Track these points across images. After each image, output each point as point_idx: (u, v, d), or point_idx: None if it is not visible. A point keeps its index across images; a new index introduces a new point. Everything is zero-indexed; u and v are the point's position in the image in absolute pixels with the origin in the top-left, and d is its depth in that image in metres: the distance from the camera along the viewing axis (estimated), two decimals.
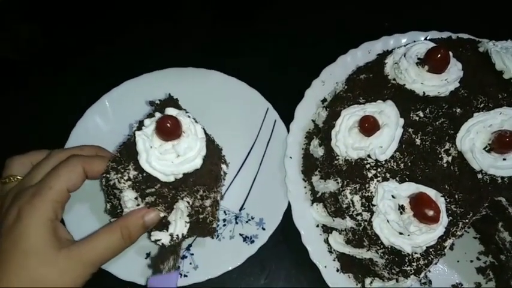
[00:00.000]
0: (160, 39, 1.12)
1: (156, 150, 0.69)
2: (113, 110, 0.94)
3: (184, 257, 0.82)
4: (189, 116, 0.75)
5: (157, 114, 0.73)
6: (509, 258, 0.78)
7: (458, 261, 0.85)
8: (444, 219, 0.68)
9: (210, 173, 0.74)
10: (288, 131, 0.93)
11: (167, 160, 0.69)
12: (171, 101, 0.79)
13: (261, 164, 0.93)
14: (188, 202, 0.73)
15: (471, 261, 0.85)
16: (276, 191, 0.88)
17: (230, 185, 0.91)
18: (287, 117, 0.95)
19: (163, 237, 0.73)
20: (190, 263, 0.81)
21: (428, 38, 0.94)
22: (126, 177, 0.70)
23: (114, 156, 0.73)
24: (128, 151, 0.72)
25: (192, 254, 0.82)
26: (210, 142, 0.77)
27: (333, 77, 0.97)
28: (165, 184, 0.70)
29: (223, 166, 0.84)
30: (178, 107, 0.78)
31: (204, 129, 0.76)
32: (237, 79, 0.99)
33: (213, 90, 0.99)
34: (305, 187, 0.88)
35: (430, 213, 0.66)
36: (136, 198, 0.71)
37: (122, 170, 0.71)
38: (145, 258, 0.81)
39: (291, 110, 0.95)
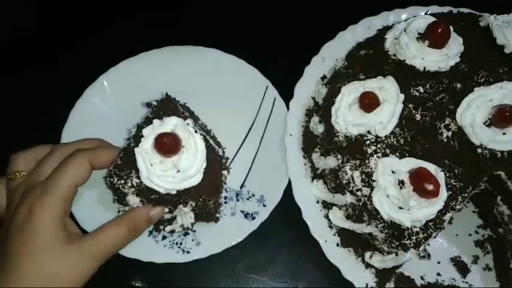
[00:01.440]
0: (157, 18, 1.11)
1: (156, 167, 0.70)
2: (112, 89, 0.94)
3: (186, 233, 0.83)
4: (188, 124, 0.74)
5: (156, 122, 0.73)
6: (507, 231, 0.80)
7: (457, 235, 0.87)
8: (444, 194, 0.69)
9: (211, 184, 0.75)
10: (288, 108, 0.93)
11: (168, 176, 0.70)
12: (169, 102, 0.79)
13: (261, 141, 0.94)
14: (191, 205, 0.75)
15: (469, 234, 0.87)
16: (277, 168, 0.88)
17: (231, 163, 0.92)
18: (287, 95, 0.94)
19: (176, 227, 0.80)
20: (193, 240, 0.82)
21: (428, 13, 0.93)
22: (129, 184, 0.73)
23: (116, 162, 0.74)
24: (129, 158, 0.72)
25: (194, 231, 0.83)
26: (210, 151, 0.76)
27: (332, 54, 0.96)
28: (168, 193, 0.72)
29: (224, 172, 0.85)
30: (177, 110, 0.78)
31: (203, 135, 0.76)
32: (236, 57, 0.98)
33: (211, 68, 0.98)
34: (305, 164, 0.88)
35: (430, 187, 0.66)
36: (141, 201, 0.74)
37: (125, 177, 0.73)
38: (148, 236, 0.82)
39: (290, 88, 0.94)
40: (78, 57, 1.04)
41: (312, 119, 0.89)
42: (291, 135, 0.90)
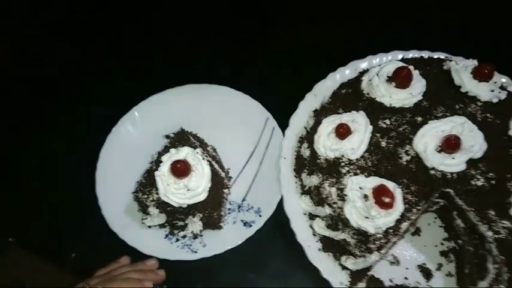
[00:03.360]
0: (176, 59, 1.34)
1: (171, 186, 0.90)
2: (141, 119, 1.16)
3: (195, 237, 1.01)
4: (197, 152, 0.95)
5: (172, 151, 0.94)
6: (464, 242, 0.93)
7: (425, 246, 0.99)
8: (400, 206, 0.85)
9: (214, 200, 0.95)
10: (284, 136, 1.11)
11: (180, 194, 0.90)
12: (183, 134, 1.01)
13: (261, 163, 1.11)
14: (199, 216, 0.94)
15: (436, 245, 0.99)
16: (272, 186, 1.05)
17: (235, 181, 1.10)
18: (284, 125, 1.12)
19: (187, 233, 0.99)
20: (200, 242, 0.99)
21: (404, 57, 1.11)
22: (151, 199, 0.93)
23: (141, 181, 0.97)
24: (151, 178, 0.93)
25: (202, 236, 1.01)
26: (214, 174, 0.96)
27: (323, 91, 1.12)
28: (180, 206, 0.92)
29: (225, 190, 1.03)
30: (189, 141, 1.00)
31: (209, 161, 0.97)
32: (243, 93, 1.18)
33: (222, 102, 1.18)
34: (296, 182, 1.04)
35: (387, 200, 0.82)
36: (160, 212, 0.94)
37: (148, 193, 0.93)
38: (164, 238, 1.01)
39: (287, 119, 1.13)
40: (112, 93, 1.26)
41: (303, 145, 1.07)
42: (285, 158, 1.07)
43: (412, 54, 1.18)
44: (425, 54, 1.16)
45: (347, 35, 1.35)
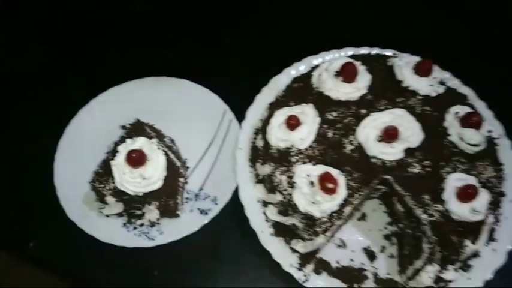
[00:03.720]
0: (141, 51, 1.36)
1: (127, 175, 0.93)
2: (100, 110, 1.18)
3: (153, 225, 1.04)
4: (153, 142, 0.98)
5: (128, 141, 0.97)
6: (404, 225, 1.01)
7: (370, 230, 1.06)
8: (343, 191, 0.91)
9: (169, 188, 0.99)
10: (241, 128, 1.16)
11: (136, 182, 0.94)
12: (139, 125, 1.04)
13: (218, 154, 1.16)
14: (155, 204, 0.97)
15: (380, 230, 1.07)
16: (229, 175, 1.09)
17: (193, 170, 1.14)
18: (242, 118, 1.17)
19: (145, 222, 1.02)
20: (158, 230, 1.03)
21: (354, 54, 1.17)
22: (107, 188, 0.96)
23: (97, 170, 0.99)
24: (107, 168, 0.96)
25: (159, 224, 1.04)
26: (170, 164, 1.00)
27: (278, 85, 1.17)
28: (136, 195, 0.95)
29: (181, 179, 1.06)
30: (145, 131, 1.03)
31: (165, 151, 1.00)
32: (202, 86, 1.22)
33: (182, 95, 1.22)
34: (250, 172, 1.09)
35: (330, 186, 0.89)
36: (116, 201, 0.97)
37: (104, 182, 0.96)
38: (121, 227, 1.04)
39: (244, 111, 1.17)
40: (73, 85, 1.28)
41: (258, 136, 1.12)
42: (241, 149, 1.12)
43: (363, 51, 1.25)
44: (376, 51, 1.23)
45: (303, 32, 1.41)
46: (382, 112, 0.98)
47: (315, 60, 1.23)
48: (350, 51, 1.24)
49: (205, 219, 1.04)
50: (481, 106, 1.16)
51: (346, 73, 1.01)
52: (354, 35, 1.35)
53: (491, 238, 1.02)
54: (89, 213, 1.04)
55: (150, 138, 1.00)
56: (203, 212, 1.06)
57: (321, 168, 0.93)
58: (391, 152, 0.94)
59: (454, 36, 1.43)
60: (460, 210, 0.90)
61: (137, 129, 1.03)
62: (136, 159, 0.92)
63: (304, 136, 0.97)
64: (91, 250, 1.02)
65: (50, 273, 1.03)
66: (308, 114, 0.99)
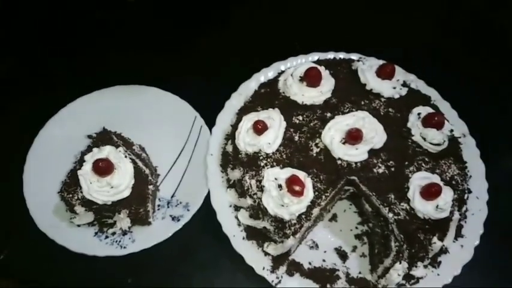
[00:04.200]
0: (106, 60, 1.37)
1: (94, 184, 0.94)
2: (68, 120, 1.18)
3: (125, 234, 1.04)
4: (120, 151, 0.99)
5: (95, 150, 0.98)
6: (374, 225, 1.03)
7: (341, 230, 1.08)
8: (310, 193, 0.93)
9: (138, 196, 0.99)
10: (211, 133, 1.17)
11: (104, 191, 0.94)
12: (106, 134, 1.05)
13: (189, 160, 1.17)
14: (125, 212, 0.98)
15: (351, 230, 1.08)
16: (200, 181, 1.10)
17: (165, 177, 1.15)
18: (211, 123, 1.18)
19: (116, 230, 1.02)
20: (129, 238, 1.03)
21: (315, 60, 1.20)
22: (76, 197, 0.96)
23: (66, 181, 1.00)
24: (75, 178, 0.96)
25: (131, 232, 1.05)
26: (138, 172, 1.01)
27: (248, 91, 1.19)
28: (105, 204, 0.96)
29: (150, 186, 1.05)
30: (111, 140, 1.03)
31: (132, 159, 1.01)
32: (171, 93, 1.23)
33: (152, 102, 1.23)
34: (222, 177, 1.10)
35: (297, 188, 0.90)
36: (85, 210, 0.97)
37: (73, 192, 0.96)
38: (93, 236, 1.04)
39: (214, 117, 1.19)
40: (40, 94, 1.28)
41: (228, 142, 1.13)
42: (212, 154, 1.13)
43: (330, 55, 1.28)
44: (341, 55, 1.26)
45: (273, 37, 1.43)
46: (345, 115, 1.01)
47: (282, 65, 1.25)
48: (316, 56, 1.27)
49: (178, 226, 1.05)
50: (445, 106, 1.20)
51: (310, 78, 1.04)
52: (322, 40, 1.38)
53: (459, 234, 1.05)
54: (60, 224, 1.03)
55: (117, 146, 1.00)
56: (175, 218, 1.07)
57: (289, 171, 0.95)
58: (356, 154, 0.96)
59: (421, 38, 1.47)
60: (425, 208, 0.93)
61: (103, 138, 1.03)
62: (103, 168, 0.93)
63: (271, 140, 0.99)
64: (63, 260, 1.02)
65: (21, 284, 1.02)
66: (275, 118, 1.01)
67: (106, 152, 0.96)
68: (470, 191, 1.10)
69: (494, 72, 1.40)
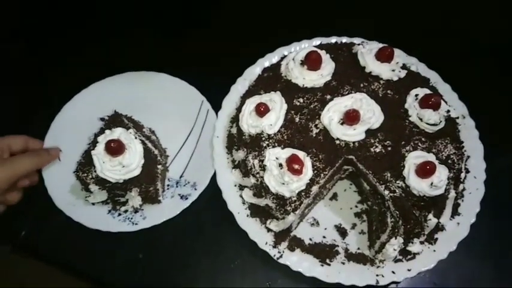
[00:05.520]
0: (119, 47, 1.43)
1: (107, 164, 1.00)
2: (83, 105, 1.24)
3: (136, 211, 1.11)
4: (130, 132, 1.05)
5: (107, 132, 1.04)
6: (372, 202, 1.08)
7: (341, 209, 1.13)
8: (309, 172, 0.98)
9: (148, 175, 1.05)
10: (217, 117, 1.22)
11: (116, 170, 1.00)
12: (117, 116, 1.11)
13: (197, 142, 1.22)
14: (136, 190, 1.04)
15: (351, 208, 1.14)
16: (207, 162, 1.16)
17: (174, 159, 1.21)
18: (218, 107, 1.23)
19: (128, 208, 1.09)
20: (141, 215, 1.10)
21: (319, 44, 1.23)
22: (90, 176, 1.02)
23: (80, 161, 1.07)
24: (89, 158, 1.03)
25: (142, 209, 1.11)
26: (147, 152, 1.07)
27: (252, 75, 1.24)
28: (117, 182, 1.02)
29: (159, 166, 1.11)
30: (122, 122, 1.09)
31: (142, 140, 1.07)
32: (180, 79, 1.29)
33: (161, 87, 1.28)
34: (227, 158, 1.15)
35: (296, 167, 0.95)
36: (99, 188, 1.03)
37: (87, 171, 1.03)
38: (107, 214, 1.11)
39: (221, 101, 1.24)
40: (56, 81, 1.35)
41: (233, 124, 1.18)
42: (218, 137, 1.18)
43: (333, 40, 1.31)
44: (344, 39, 1.30)
45: (278, 23, 1.47)
46: (343, 96, 1.04)
47: (286, 50, 1.28)
48: (319, 40, 1.30)
49: (186, 204, 1.11)
50: (446, 88, 1.23)
51: (311, 61, 1.07)
52: (326, 25, 1.42)
53: (455, 212, 1.09)
54: (76, 202, 1.10)
55: (128, 128, 1.06)
56: (183, 197, 1.13)
57: (289, 151, 1.00)
58: (353, 134, 1.00)
59: (422, 22, 1.49)
60: (420, 186, 0.96)
61: (115, 120, 1.10)
62: (115, 148, 0.99)
63: (273, 122, 1.03)
64: (79, 237, 1.09)
65: (41, 260, 1.10)
66: (276, 101, 1.05)
67: (117, 133, 1.02)
68: (468, 171, 1.13)
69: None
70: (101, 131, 1.06)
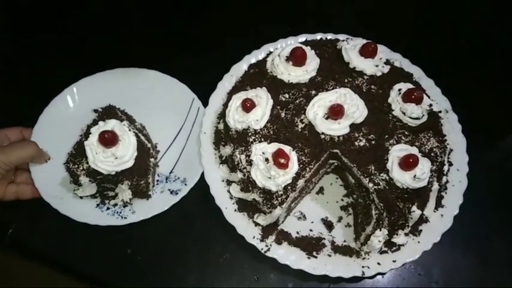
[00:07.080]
0: (109, 44, 1.44)
1: (100, 155, 1.00)
2: (72, 99, 1.26)
3: (125, 206, 1.12)
4: (124, 124, 1.05)
5: (101, 123, 1.04)
6: (357, 196, 1.10)
7: (327, 202, 1.15)
8: (295, 166, 1.00)
9: (140, 167, 1.06)
10: (204, 113, 1.23)
11: (108, 162, 1.01)
12: (111, 109, 1.11)
13: (187, 139, 1.24)
14: (128, 183, 1.05)
15: (337, 201, 1.16)
16: (197, 158, 1.17)
17: (164, 155, 1.22)
18: (206, 103, 1.25)
19: (118, 202, 1.09)
20: (130, 210, 1.11)
21: (304, 40, 1.25)
22: (81, 168, 1.02)
23: (71, 152, 1.07)
24: (81, 149, 1.03)
25: (132, 204, 1.12)
26: (140, 144, 1.08)
27: (239, 72, 1.26)
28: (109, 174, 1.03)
29: (152, 159, 1.13)
30: (116, 115, 1.10)
31: (135, 132, 1.08)
32: (171, 76, 1.30)
33: (152, 84, 1.29)
34: (215, 154, 1.17)
35: (282, 161, 0.97)
36: (90, 181, 1.04)
37: (78, 163, 1.03)
38: (95, 208, 1.11)
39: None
40: (46, 75, 1.35)
41: (220, 120, 1.20)
42: (205, 133, 1.19)
43: (318, 36, 1.33)
44: (329, 36, 1.32)
45: (265, 20, 1.49)
46: (328, 92, 1.06)
47: (272, 47, 1.30)
48: (304, 37, 1.32)
49: (175, 199, 1.12)
50: (429, 83, 1.25)
51: (296, 57, 1.09)
52: (311, 21, 1.44)
53: (439, 205, 1.11)
54: (65, 195, 1.11)
55: (122, 120, 1.07)
56: (173, 192, 1.14)
57: (275, 146, 1.02)
58: (338, 128, 1.02)
59: (408, 19, 1.52)
60: (403, 178, 0.99)
61: (109, 112, 1.10)
62: (109, 139, 1.00)
63: (259, 117, 1.05)
64: (66, 230, 1.10)
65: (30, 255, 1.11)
66: (262, 96, 1.07)
67: (111, 124, 1.03)
68: (451, 164, 1.15)
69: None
70: (94, 123, 1.06)
